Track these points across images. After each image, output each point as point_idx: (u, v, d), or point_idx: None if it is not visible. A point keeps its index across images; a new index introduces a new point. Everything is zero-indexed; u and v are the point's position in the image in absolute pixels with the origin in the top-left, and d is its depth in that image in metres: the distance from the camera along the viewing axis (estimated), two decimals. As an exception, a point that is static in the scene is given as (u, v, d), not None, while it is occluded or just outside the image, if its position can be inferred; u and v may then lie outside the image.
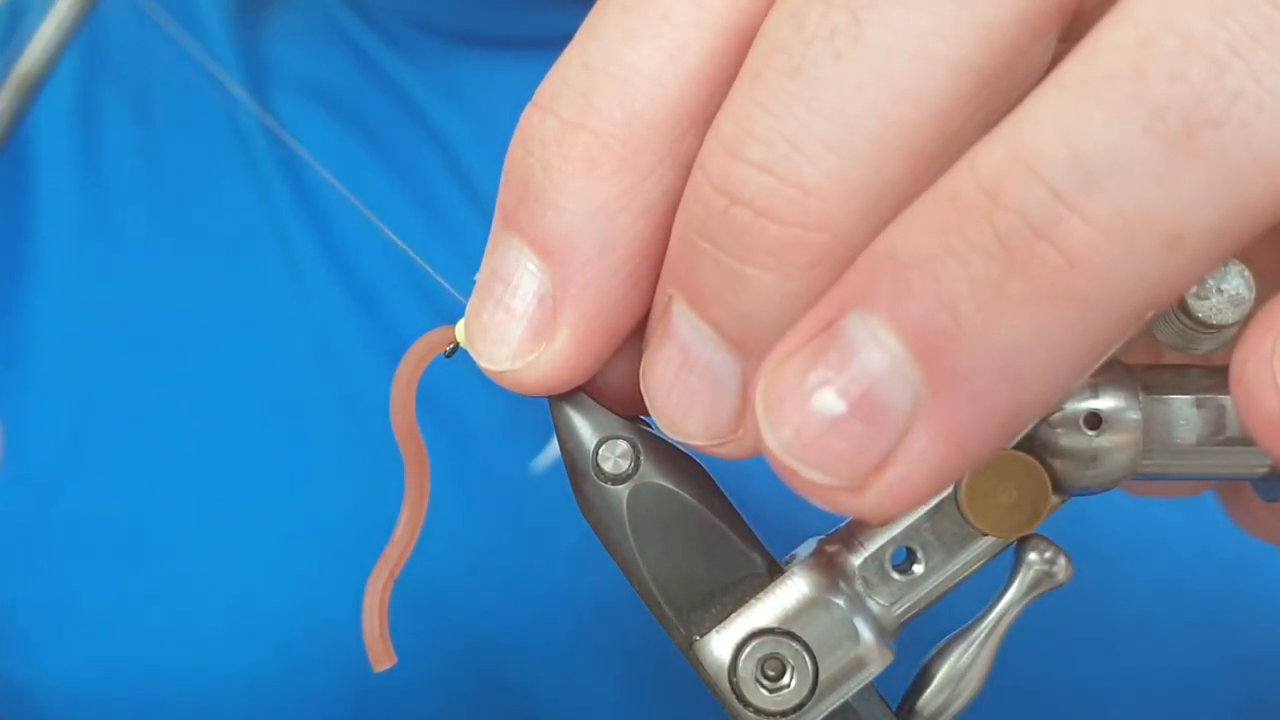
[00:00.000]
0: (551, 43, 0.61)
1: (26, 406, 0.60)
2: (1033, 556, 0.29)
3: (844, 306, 0.22)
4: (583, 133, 0.25)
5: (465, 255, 0.58)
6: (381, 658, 0.30)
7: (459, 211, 0.59)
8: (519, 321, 0.26)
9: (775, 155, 0.22)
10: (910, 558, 0.29)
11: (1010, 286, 0.20)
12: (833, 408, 0.22)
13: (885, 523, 0.28)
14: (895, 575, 0.29)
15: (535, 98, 0.26)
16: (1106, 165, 0.20)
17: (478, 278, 0.27)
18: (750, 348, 0.24)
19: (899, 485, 0.22)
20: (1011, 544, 0.29)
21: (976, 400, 0.21)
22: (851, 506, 0.22)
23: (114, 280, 0.61)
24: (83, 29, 0.36)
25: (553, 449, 0.55)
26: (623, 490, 0.29)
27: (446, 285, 0.30)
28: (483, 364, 0.27)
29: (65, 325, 0.61)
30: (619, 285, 0.26)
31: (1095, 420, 0.27)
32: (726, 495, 0.29)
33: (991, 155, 0.21)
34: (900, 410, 0.21)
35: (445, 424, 0.55)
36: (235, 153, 0.62)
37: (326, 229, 0.60)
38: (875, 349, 0.21)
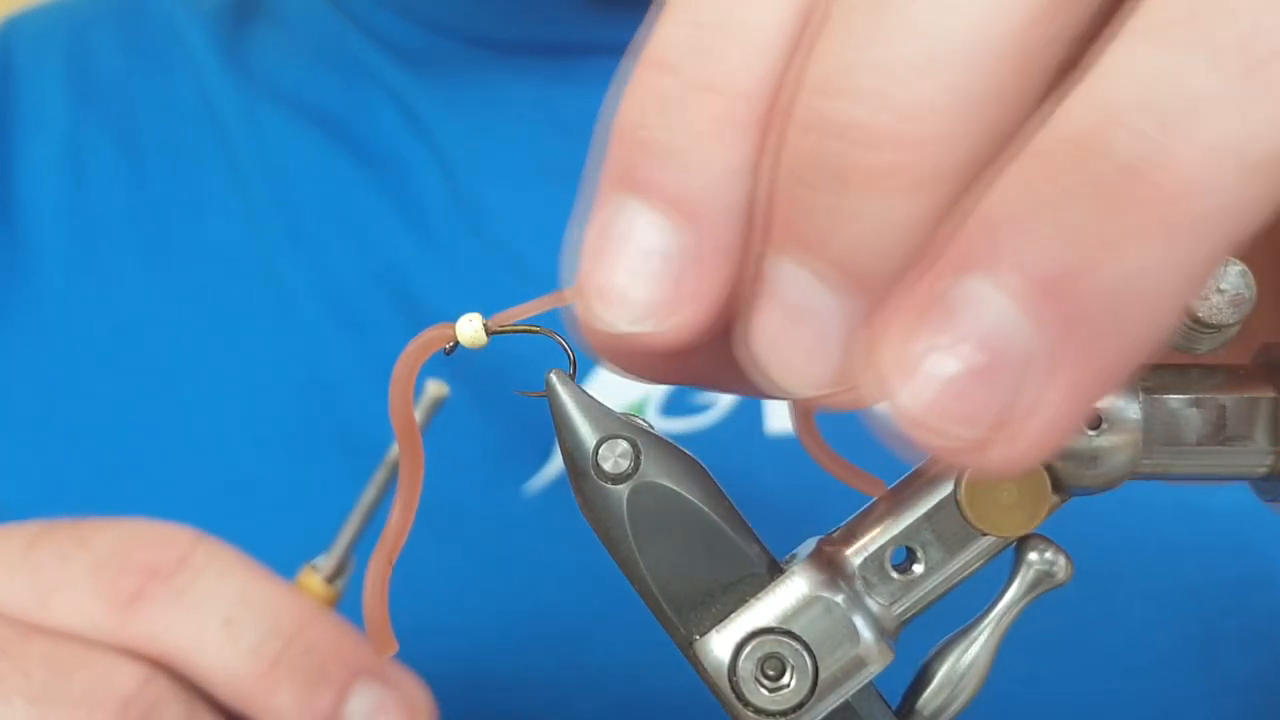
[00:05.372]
0: (560, 49, 0.62)
1: (6, 447, 0.59)
2: (1033, 556, 0.29)
3: (951, 274, 0.22)
4: (710, 93, 0.25)
5: (455, 270, 0.58)
6: (383, 644, 0.30)
7: (451, 226, 0.59)
8: (646, 283, 0.25)
9: (866, 85, 0.23)
10: (910, 558, 0.29)
11: (1114, 226, 0.21)
12: (959, 366, 0.22)
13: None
14: (895, 575, 0.29)
15: (647, 57, 0.25)
16: (1184, 104, 0.21)
17: (586, 238, 0.26)
18: (858, 284, 0.24)
19: (1032, 433, 0.22)
20: (1011, 544, 0.29)
21: (1094, 343, 0.22)
22: (984, 462, 0.23)
23: (103, 319, 0.60)
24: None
25: (545, 474, 0.55)
26: (623, 490, 0.29)
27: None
28: (602, 327, 0.26)
29: (52, 364, 0.60)
30: (742, 247, 0.26)
31: (1095, 420, 0.27)
32: (726, 495, 0.29)
33: (1074, 110, 0.22)
34: (1023, 361, 0.22)
35: (434, 452, 0.55)
36: (224, 182, 0.62)
37: (316, 256, 0.60)
38: (988, 307, 0.22)
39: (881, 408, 0.23)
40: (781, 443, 0.54)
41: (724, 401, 0.55)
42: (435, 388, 0.40)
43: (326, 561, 0.41)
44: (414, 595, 0.52)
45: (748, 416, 0.54)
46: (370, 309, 0.59)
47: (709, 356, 0.27)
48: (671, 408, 0.55)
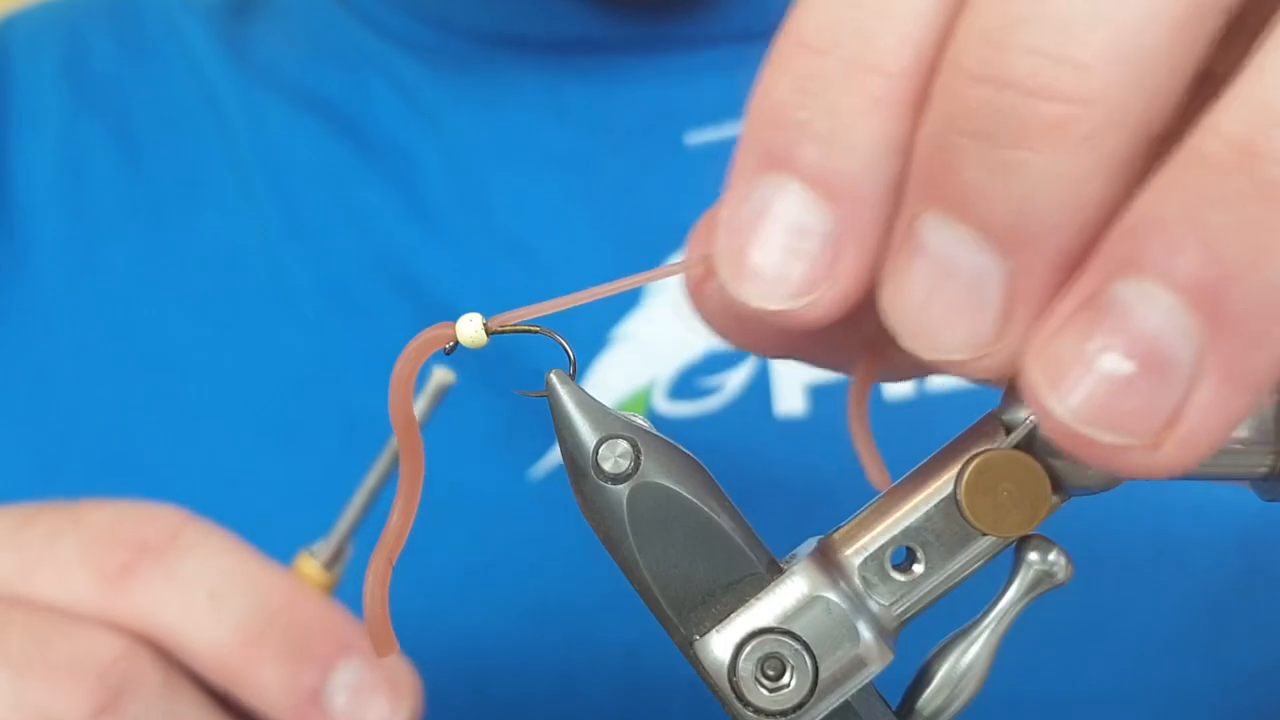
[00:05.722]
0: (568, 46, 0.62)
1: (4, 440, 0.59)
2: (1033, 556, 0.29)
3: (1108, 278, 0.23)
4: (874, 74, 0.25)
5: (459, 257, 0.58)
6: (384, 644, 0.30)
7: (455, 214, 0.59)
8: (801, 260, 0.26)
9: (1042, 37, 0.23)
10: (910, 558, 0.29)
11: (1276, 224, 0.21)
12: (1121, 369, 0.23)
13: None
14: (895, 575, 0.29)
15: (795, 37, 0.26)
16: None
17: (728, 215, 0.27)
18: (1019, 242, 0.24)
19: (1193, 435, 0.23)
20: (1011, 544, 0.29)
21: (1257, 340, 0.22)
22: (1148, 463, 0.23)
23: (101, 310, 0.60)
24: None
25: (551, 457, 0.55)
26: (623, 490, 0.29)
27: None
28: (754, 303, 0.26)
29: (49, 357, 0.60)
30: (890, 222, 0.26)
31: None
32: (726, 495, 0.29)
33: (1233, 117, 0.22)
34: (1185, 362, 0.22)
35: (440, 436, 0.55)
36: (224, 171, 0.62)
37: (318, 244, 0.60)
38: (1151, 308, 0.22)
39: (1039, 410, 0.23)
40: (790, 425, 0.54)
41: (732, 385, 0.55)
42: (441, 375, 0.40)
43: (323, 547, 0.41)
44: (420, 579, 0.52)
45: (756, 399, 0.54)
46: (373, 297, 0.59)
47: (829, 332, 0.27)
48: (678, 391, 0.55)
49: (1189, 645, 0.51)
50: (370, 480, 0.42)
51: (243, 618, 0.36)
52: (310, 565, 0.41)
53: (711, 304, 0.29)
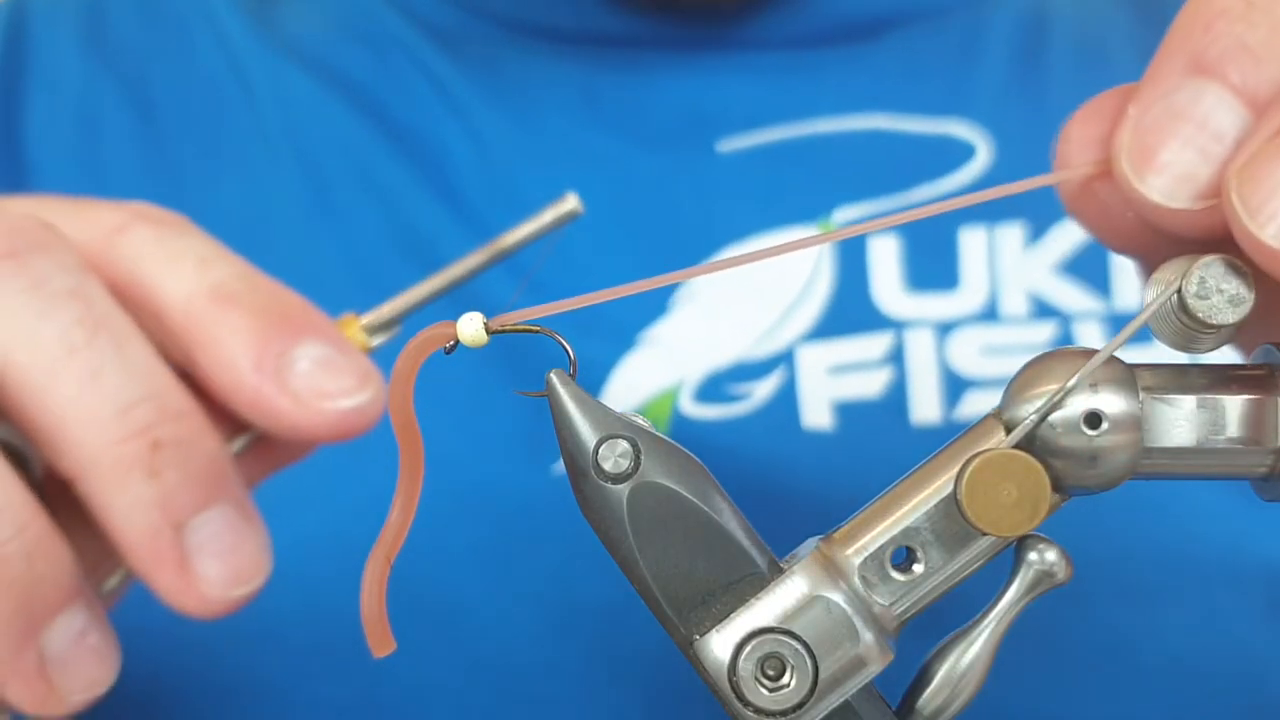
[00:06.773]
0: (601, 39, 0.61)
1: None
2: (1033, 556, 0.29)
3: None
4: None
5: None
6: (381, 643, 0.30)
7: (485, 203, 0.58)
8: (1212, 164, 0.27)
9: None
10: (910, 557, 0.29)
11: None
12: None
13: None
14: (895, 575, 0.29)
15: None
16: None
17: (1141, 113, 0.27)
18: None
19: None
20: (1011, 544, 0.29)
21: None
22: None
23: None
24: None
25: None
26: (623, 490, 0.29)
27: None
28: (1154, 198, 0.27)
29: None
30: None
31: (1095, 420, 0.27)
32: (727, 494, 0.29)
33: None
34: None
35: (463, 431, 0.55)
36: (249, 143, 0.62)
37: (343, 223, 0.59)
38: None
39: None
40: (817, 438, 0.53)
41: (760, 394, 0.55)
42: (572, 200, 0.37)
43: (374, 314, 0.37)
44: (444, 574, 0.52)
45: (784, 410, 0.54)
46: (400, 277, 0.58)
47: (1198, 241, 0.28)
48: (706, 395, 0.55)
49: (1223, 676, 0.50)
50: (453, 269, 0.38)
51: (223, 279, 0.34)
52: (353, 324, 0.37)
53: (1085, 197, 0.29)
